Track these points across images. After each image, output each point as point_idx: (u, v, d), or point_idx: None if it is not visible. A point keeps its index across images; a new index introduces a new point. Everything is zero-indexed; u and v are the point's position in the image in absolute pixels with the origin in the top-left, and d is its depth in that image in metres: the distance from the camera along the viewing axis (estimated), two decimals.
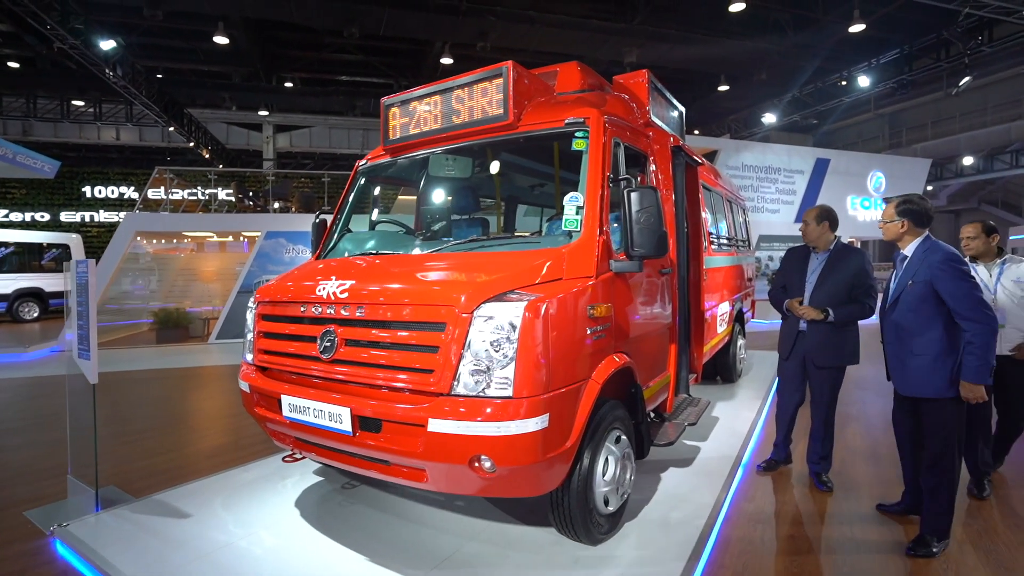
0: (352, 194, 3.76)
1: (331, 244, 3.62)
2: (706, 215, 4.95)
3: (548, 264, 2.52)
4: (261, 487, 3.53)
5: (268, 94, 19.72)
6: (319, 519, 3.07)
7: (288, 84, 19.86)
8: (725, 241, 5.93)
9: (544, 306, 2.26)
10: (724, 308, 5.46)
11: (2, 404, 6.10)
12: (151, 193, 11.86)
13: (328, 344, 2.60)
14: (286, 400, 2.72)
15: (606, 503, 2.68)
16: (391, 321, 2.45)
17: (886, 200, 2.97)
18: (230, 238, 13.08)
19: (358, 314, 2.54)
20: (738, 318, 6.16)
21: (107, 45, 11.02)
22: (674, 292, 3.63)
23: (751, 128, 18.18)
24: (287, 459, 3.22)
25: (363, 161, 3.83)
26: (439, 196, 3.80)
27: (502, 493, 2.34)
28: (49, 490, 3.63)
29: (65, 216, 18.93)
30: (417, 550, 2.73)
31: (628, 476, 2.83)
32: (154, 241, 13.05)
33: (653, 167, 3.54)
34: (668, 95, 4.07)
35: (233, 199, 12.77)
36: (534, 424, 2.18)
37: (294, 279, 3.00)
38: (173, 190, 12.83)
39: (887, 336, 2.90)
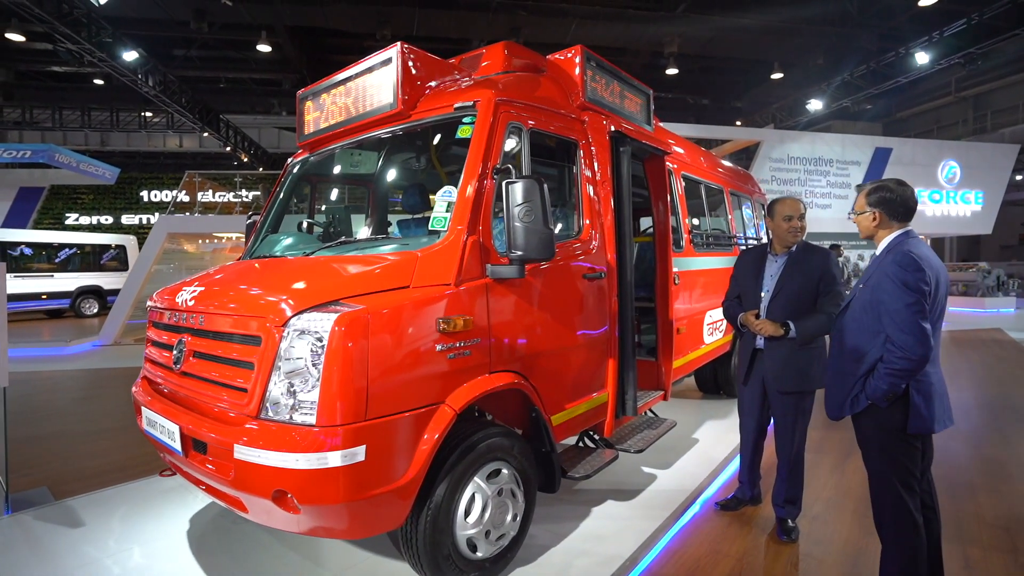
0: (281, 193, 3.57)
1: (253, 245, 3.45)
2: (685, 210, 4.40)
3: (391, 269, 2.18)
4: (172, 498, 3.40)
5: None
6: (200, 539, 2.88)
7: None
8: (723, 239, 5.30)
9: (364, 319, 1.92)
10: (717, 315, 4.86)
11: (9, 397, 6.42)
12: (186, 196, 12.44)
13: (178, 354, 2.40)
14: (144, 412, 2.55)
15: (473, 548, 2.30)
16: (220, 332, 2.20)
17: (858, 188, 2.39)
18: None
19: (200, 323, 2.31)
20: None
21: (129, 56, 11.62)
22: (611, 300, 3.16)
23: (797, 116, 16.70)
24: (163, 473, 3.07)
25: (290, 159, 3.65)
26: (344, 193, 3.54)
27: (325, 534, 2.02)
28: None
29: (125, 219, 20.46)
30: None
31: (509, 517, 2.43)
32: (201, 242, 13.75)
33: (585, 155, 3.10)
34: (621, 74, 3.59)
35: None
36: (340, 457, 1.85)
37: (177, 284, 2.83)
38: (214, 193, 13.40)
39: (830, 351, 2.35)
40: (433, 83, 2.90)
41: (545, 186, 2.28)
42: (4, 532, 3.03)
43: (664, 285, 3.91)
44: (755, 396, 3.04)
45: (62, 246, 14.03)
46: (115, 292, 14.14)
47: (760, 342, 2.96)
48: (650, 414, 3.98)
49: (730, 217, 5.48)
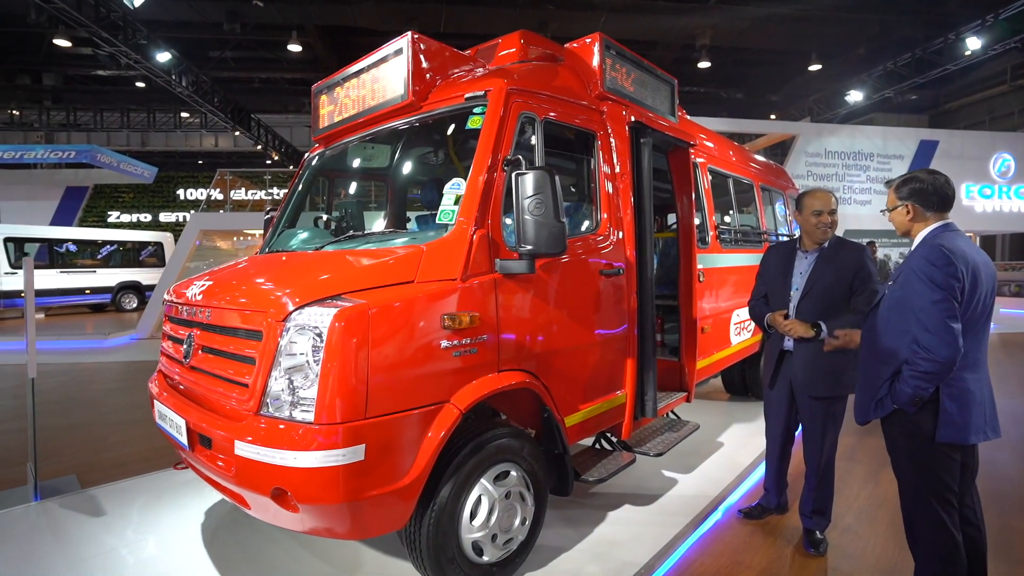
0: (298, 188, 3.56)
1: (269, 240, 3.45)
2: (712, 205, 4.23)
3: (394, 264, 2.12)
4: (190, 489, 3.44)
5: None
6: (214, 532, 2.90)
7: None
8: (752, 235, 5.09)
9: (364, 314, 1.87)
10: (747, 314, 4.65)
11: (45, 388, 6.68)
12: (220, 194, 12.76)
13: (187, 348, 2.40)
14: (156, 406, 2.57)
15: (479, 552, 2.23)
16: (225, 327, 2.19)
17: (887, 184, 2.22)
18: None
19: (207, 318, 2.31)
20: None
21: (163, 57, 11.96)
22: (630, 297, 3.04)
23: (835, 109, 16.00)
24: (176, 466, 3.09)
25: (308, 154, 3.64)
26: (359, 188, 3.51)
27: (325, 534, 1.98)
28: (15, 475, 3.80)
29: (163, 216, 21.19)
30: None
31: (517, 521, 2.35)
32: (236, 239, 14.09)
33: (603, 147, 2.98)
34: (643, 63, 3.46)
35: None
36: (340, 456, 1.80)
37: (190, 279, 2.85)
38: (247, 191, 13.70)
39: (861, 353, 2.19)
40: (448, 74, 2.83)
41: (557, 178, 2.19)
42: (31, 518, 3.11)
43: (688, 283, 3.76)
44: (782, 400, 2.88)
45: (104, 243, 14.60)
46: (153, 287, 14.68)
47: (788, 343, 2.79)
48: (672, 416, 3.84)
49: (760, 213, 5.25)
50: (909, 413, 1.92)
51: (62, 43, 13.44)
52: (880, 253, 11.55)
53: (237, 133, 16.82)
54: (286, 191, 3.67)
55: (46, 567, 2.57)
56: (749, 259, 4.73)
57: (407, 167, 3.36)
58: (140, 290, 14.91)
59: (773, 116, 17.40)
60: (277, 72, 19.58)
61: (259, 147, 17.60)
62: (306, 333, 1.88)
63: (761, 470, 3.74)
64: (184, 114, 19.32)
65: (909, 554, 2.61)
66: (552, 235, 2.16)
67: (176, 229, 17.84)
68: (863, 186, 11.92)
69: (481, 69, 2.86)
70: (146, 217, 21.27)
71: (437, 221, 2.31)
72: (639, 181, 3.18)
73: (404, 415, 1.94)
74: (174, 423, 2.33)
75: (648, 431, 3.50)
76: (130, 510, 3.18)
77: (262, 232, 3.70)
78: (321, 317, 1.86)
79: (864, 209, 11.87)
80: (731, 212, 4.79)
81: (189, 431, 2.21)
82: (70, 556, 2.67)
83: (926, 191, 2.02)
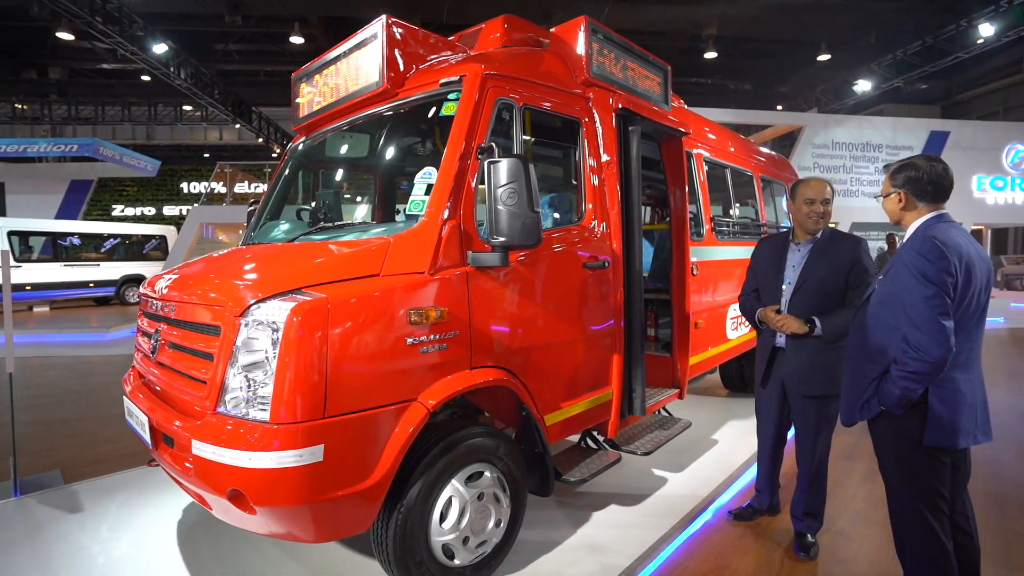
0: (280, 179, 3.48)
1: (250, 232, 3.38)
2: (707, 196, 4.10)
3: (359, 256, 2.03)
4: (170, 487, 3.39)
5: None
6: (189, 530, 2.84)
7: None
8: (751, 227, 4.96)
9: (323, 309, 1.79)
10: None
11: (41, 381, 6.68)
12: (220, 187, 12.74)
13: (154, 343, 2.34)
14: (125, 402, 2.51)
15: (450, 555, 2.15)
16: (186, 321, 2.11)
17: (885, 168, 2.10)
18: None
19: (171, 312, 2.24)
20: None
21: (160, 49, 11.91)
22: (617, 291, 2.94)
23: (843, 100, 15.68)
24: (150, 463, 3.04)
25: (289, 144, 3.56)
26: (336, 178, 3.42)
27: (286, 536, 1.91)
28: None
29: (167, 210, 21.25)
30: None
31: (491, 523, 2.26)
32: (240, 233, 14.10)
33: (588, 135, 2.87)
34: (634, 49, 3.33)
35: None
36: (296, 457, 1.72)
37: (162, 273, 2.78)
38: (249, 184, 13.68)
39: (848, 349, 2.08)
40: (428, 60, 2.73)
41: (531, 166, 2.09)
42: (7, 514, 3.07)
43: (680, 276, 3.65)
44: (774, 399, 2.77)
45: (108, 236, 14.64)
46: None
47: (780, 340, 2.68)
48: (663, 413, 3.75)
49: (760, 205, 5.12)
50: (896, 415, 1.82)
51: (65, 36, 13.46)
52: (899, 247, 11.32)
53: (238, 126, 16.77)
54: (268, 181, 3.59)
55: (16, 565, 2.53)
56: (746, 252, 4.60)
57: (385, 156, 3.27)
58: None
59: (780, 107, 17.09)
60: (281, 65, 19.52)
61: (260, 140, 17.56)
62: (264, 328, 1.80)
63: (754, 470, 3.65)
64: (186, 107, 19.36)
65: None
66: (526, 226, 2.06)
67: (180, 223, 17.90)
68: (871, 178, 11.68)
69: (461, 55, 2.76)
70: (150, 210, 21.36)
71: (407, 212, 2.22)
72: (627, 171, 3.07)
73: (367, 414, 1.86)
74: (139, 420, 2.27)
75: (637, 429, 3.41)
76: (108, 507, 3.14)
77: (246, 224, 3.62)
78: (279, 311, 1.78)
79: (873, 202, 11.60)
80: (729, 204, 4.66)
81: (152, 429, 2.15)
82: (40, 554, 2.62)
83: (920, 179, 1.91)
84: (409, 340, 1.97)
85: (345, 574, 2.44)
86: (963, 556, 1.91)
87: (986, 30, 10.45)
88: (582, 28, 2.94)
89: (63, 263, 13.42)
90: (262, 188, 13.85)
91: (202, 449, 1.82)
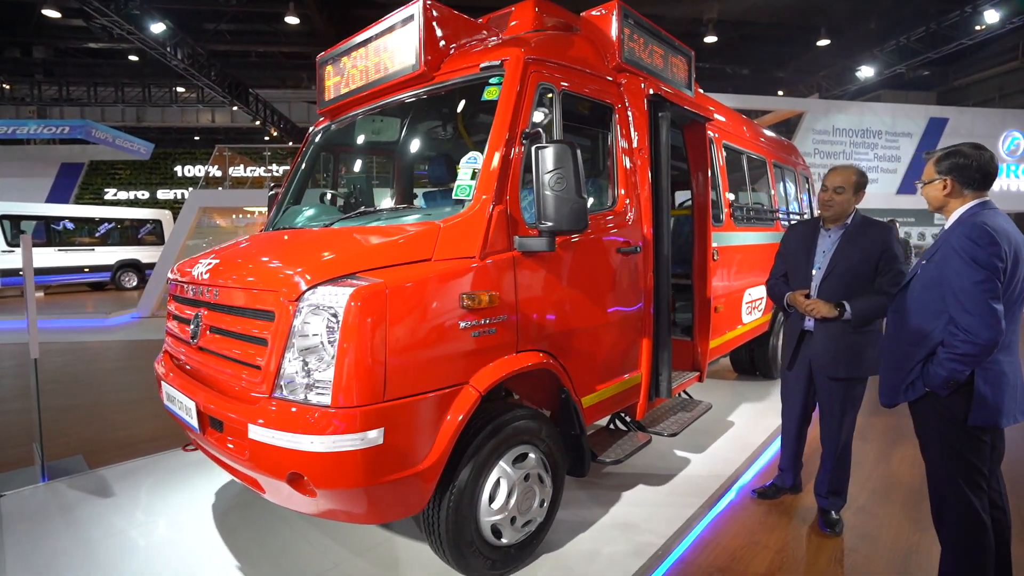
0: (303, 164, 3.46)
1: (274, 217, 3.37)
2: (726, 182, 4.13)
3: (411, 241, 2.04)
4: (199, 470, 3.41)
5: None
6: (224, 513, 2.87)
7: None
8: (765, 214, 5.00)
9: (381, 294, 1.80)
10: (757, 293, 4.61)
11: (48, 367, 6.63)
12: (219, 171, 12.57)
13: (195, 328, 2.34)
14: (164, 387, 2.51)
15: (497, 535, 2.20)
16: (234, 306, 2.12)
17: (927, 155, 2.12)
18: None
19: (215, 297, 2.23)
20: None
21: (157, 28, 11.64)
22: (647, 275, 2.97)
23: (844, 85, 15.69)
24: (186, 448, 3.05)
25: (312, 128, 3.53)
26: (367, 163, 3.40)
27: (342, 518, 1.94)
28: (21, 455, 3.76)
29: (161, 194, 20.90)
30: (294, 562, 2.42)
31: (536, 503, 2.31)
32: (235, 217, 13.94)
33: (621, 120, 2.87)
34: (661, 34, 3.32)
35: None
36: (357, 440, 1.75)
37: (196, 257, 2.76)
38: (245, 168, 13.50)
39: (886, 333, 2.13)
40: (461, 43, 2.71)
41: (579, 152, 2.10)
42: (40, 499, 3.08)
43: (702, 261, 3.68)
44: (800, 381, 2.83)
45: (102, 221, 14.42)
46: (152, 265, 14.58)
47: (809, 323, 2.73)
48: (684, 395, 3.81)
49: (772, 191, 5.15)
50: (941, 396, 1.87)
51: (52, 14, 13.08)
52: (901, 232, 11.44)
53: (236, 108, 16.47)
54: (289, 167, 3.57)
55: (57, 549, 2.55)
56: (761, 237, 4.66)
57: (417, 141, 3.25)
58: (139, 268, 14.80)
59: (780, 92, 17.08)
60: (274, 46, 19.12)
61: (257, 123, 17.28)
62: (320, 313, 1.81)
63: (772, 450, 3.75)
64: (180, 89, 18.95)
65: (927, 535, 2.61)
66: (574, 211, 2.08)
67: (175, 207, 17.63)
68: (871, 164, 11.75)
69: (495, 38, 2.74)
70: (143, 194, 20.97)
71: (454, 196, 2.22)
72: (656, 157, 3.08)
73: (422, 397, 1.88)
74: (183, 405, 2.28)
75: (661, 411, 3.47)
76: (139, 491, 3.15)
77: (266, 209, 3.60)
78: (336, 296, 1.79)
79: (872, 188, 11.70)
80: (744, 189, 4.69)
81: (199, 413, 2.16)
82: (80, 538, 2.64)
83: (968, 167, 1.94)
84: (462, 324, 1.99)
85: (383, 554, 2.48)
86: (997, 531, 1.98)
87: (991, 16, 10.48)
88: (615, 13, 2.92)
89: (57, 248, 13.23)
90: (260, 172, 13.68)
91: (260, 433, 1.84)
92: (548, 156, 2.06)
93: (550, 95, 2.45)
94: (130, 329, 9.53)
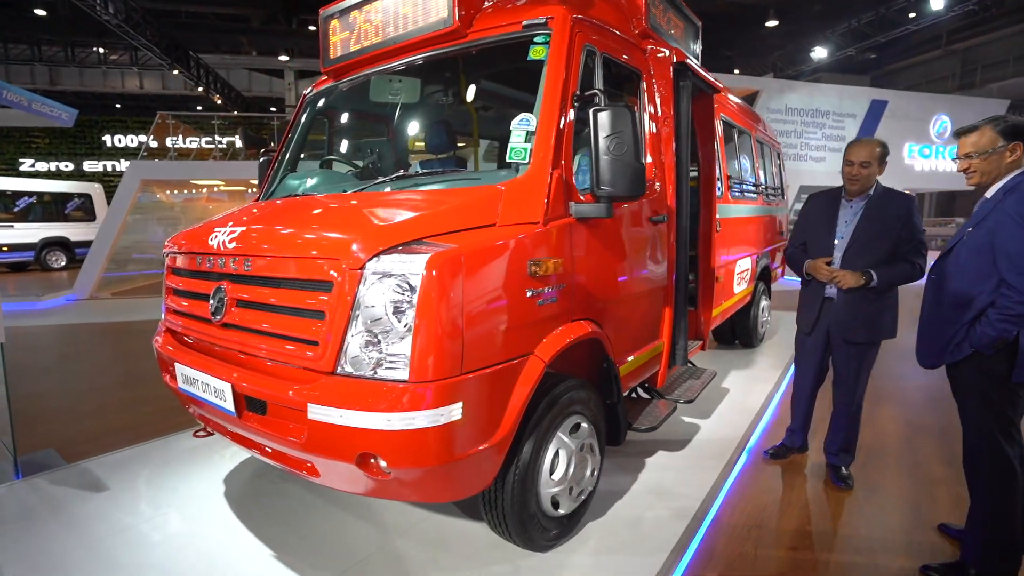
0: (298, 129, 3.21)
1: (270, 186, 3.12)
2: (724, 155, 4.19)
3: (476, 205, 1.94)
4: (198, 457, 3.19)
5: (289, 38, 18.89)
6: (240, 502, 2.70)
7: (312, 27, 18.95)
8: (750, 187, 5.13)
9: (458, 260, 1.70)
10: (744, 265, 4.75)
11: None
12: (154, 142, 11.59)
13: (218, 304, 2.13)
14: (179, 369, 2.30)
15: (555, 505, 2.18)
16: (277, 278, 1.94)
17: (959, 133, 2.17)
18: (249, 189, 12.79)
19: (246, 268, 2.04)
20: (762, 276, 5.42)
21: None
22: (670, 245, 2.98)
23: (797, 66, 16.34)
24: (197, 434, 2.84)
25: (309, 90, 3.27)
26: (385, 126, 3.20)
27: (411, 498, 1.86)
28: None
29: (88, 166, 19.08)
30: (334, 547, 2.31)
31: (588, 472, 2.31)
32: (174, 192, 12.93)
33: (648, 88, 2.83)
34: (677, 1, 3.29)
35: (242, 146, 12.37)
36: (438, 416, 1.66)
37: (203, 226, 2.52)
38: (184, 138, 12.53)
39: (925, 298, 2.23)
40: None
41: (636, 115, 2.04)
42: (18, 498, 2.79)
43: (708, 233, 3.75)
44: (818, 346, 2.95)
45: (19, 194, 13.03)
46: (84, 244, 13.38)
47: (831, 291, 2.83)
48: (689, 364, 3.90)
49: (757, 164, 5.29)
50: (987, 356, 1.98)
51: None
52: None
53: (176, 72, 15.13)
54: (285, 130, 3.30)
55: (57, 549, 2.31)
56: (752, 210, 4.79)
57: (444, 103, 3.08)
58: (68, 247, 13.53)
59: (736, 71, 17.56)
60: (206, 6, 17.65)
61: (200, 89, 15.98)
62: (389, 281, 1.69)
63: (770, 412, 3.92)
64: (102, 50, 17.19)
65: (928, 487, 2.82)
66: (633, 176, 2.03)
67: (105, 179, 16.19)
68: (819, 143, 12.35)
69: None
70: (67, 166, 19.05)
71: (508, 158, 2.11)
72: (678, 126, 3.07)
73: (495, 369, 1.81)
74: (211, 387, 2.09)
75: (672, 379, 3.53)
76: (135, 483, 2.91)
77: (258, 176, 3.34)
78: (408, 264, 1.67)
79: (820, 166, 12.33)
80: (739, 163, 4.79)
81: (236, 396, 1.99)
82: (82, 536, 2.40)
83: None
84: (528, 292, 1.92)
85: (426, 530, 2.41)
86: None
87: (936, 3, 11.12)
88: None
89: None
90: (202, 143, 12.70)
91: (323, 413, 1.71)
92: (606, 119, 2.00)
93: (592, 57, 2.37)
94: (68, 312, 8.74)
